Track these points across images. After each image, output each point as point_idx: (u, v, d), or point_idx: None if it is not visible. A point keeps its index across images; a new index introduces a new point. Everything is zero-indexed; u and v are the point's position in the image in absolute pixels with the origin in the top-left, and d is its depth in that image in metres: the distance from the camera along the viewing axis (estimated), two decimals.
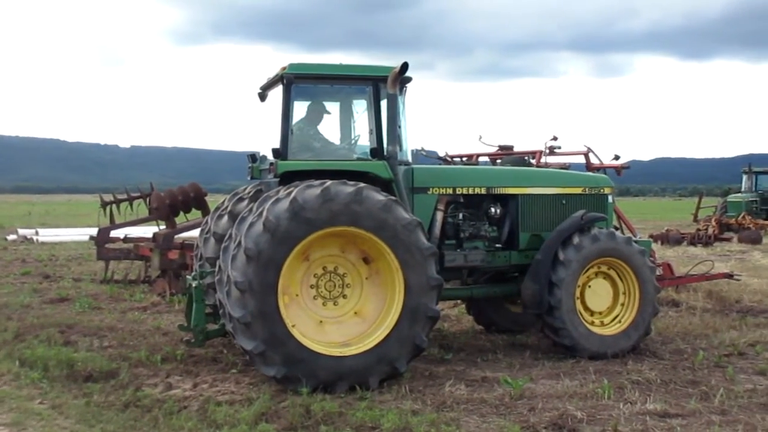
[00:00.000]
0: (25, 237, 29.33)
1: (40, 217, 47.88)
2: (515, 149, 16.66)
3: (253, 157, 9.64)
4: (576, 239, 9.31)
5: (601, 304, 9.58)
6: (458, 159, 17.87)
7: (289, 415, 7.03)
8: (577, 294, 9.38)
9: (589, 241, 9.33)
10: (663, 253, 21.89)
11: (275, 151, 8.79)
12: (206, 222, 10.36)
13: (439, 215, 9.55)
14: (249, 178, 9.77)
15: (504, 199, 9.97)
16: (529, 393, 7.80)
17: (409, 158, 9.70)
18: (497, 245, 9.91)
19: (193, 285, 8.98)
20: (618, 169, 16.21)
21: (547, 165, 15.62)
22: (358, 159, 9.21)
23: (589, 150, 16.04)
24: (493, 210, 9.90)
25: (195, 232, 12.64)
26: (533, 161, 15.78)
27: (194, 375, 8.68)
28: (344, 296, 8.36)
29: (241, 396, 7.82)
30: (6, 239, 29.01)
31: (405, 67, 8.70)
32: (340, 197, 7.96)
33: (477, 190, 9.81)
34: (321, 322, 8.26)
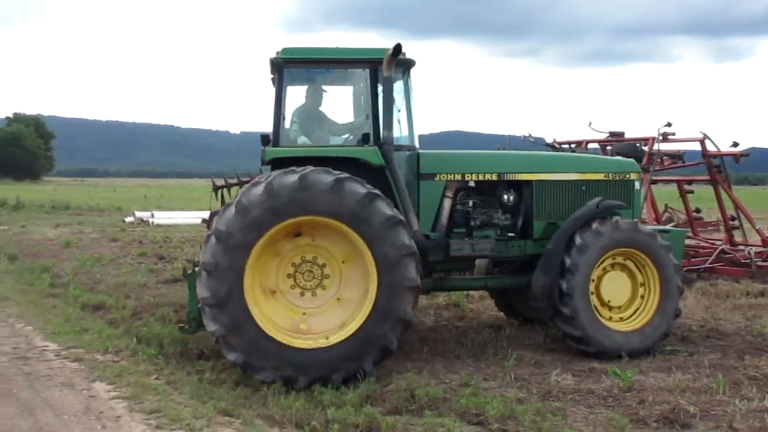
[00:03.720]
0: (141, 219, 30.54)
1: (155, 200, 49.72)
2: (626, 136, 16.26)
3: (266, 138, 8.95)
4: (591, 228, 8.74)
5: (619, 299, 8.99)
6: (566, 146, 17.59)
7: (394, 399, 7.09)
8: (592, 286, 8.84)
9: (598, 234, 8.72)
10: None
11: (263, 138, 8.64)
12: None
13: (447, 202, 9.13)
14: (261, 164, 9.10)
15: (517, 186, 9.43)
16: (638, 385, 7.59)
17: (416, 143, 9.34)
18: (510, 234, 9.43)
19: (188, 272, 8.88)
20: (736, 157, 15.60)
21: (660, 152, 15.19)
22: (347, 145, 8.98)
23: (705, 136, 15.49)
24: (505, 197, 9.36)
25: None
26: (645, 148, 15.37)
27: None
28: (314, 294, 8.06)
29: (347, 378, 7.92)
30: (124, 221, 30.27)
31: (398, 48, 8.27)
32: (285, 190, 7.66)
33: (488, 177, 9.30)
34: (304, 313, 8.01)
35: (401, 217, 7.94)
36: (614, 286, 8.96)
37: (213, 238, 7.65)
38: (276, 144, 8.61)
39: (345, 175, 7.85)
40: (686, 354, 8.94)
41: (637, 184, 9.82)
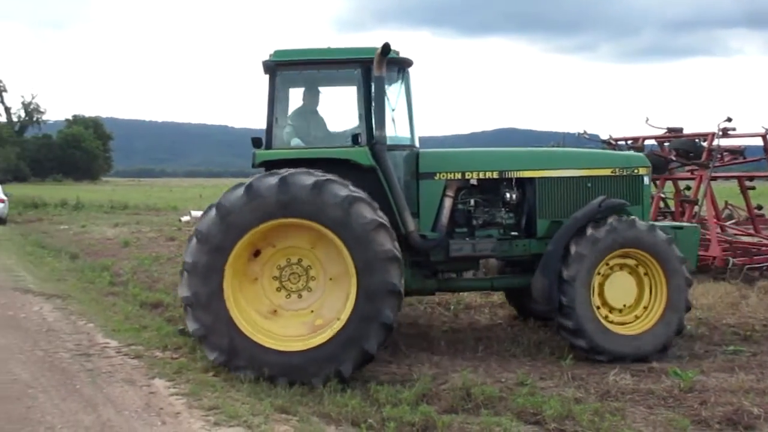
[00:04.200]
0: (197, 218, 30.91)
1: (210, 199, 49.80)
2: (685, 131, 15.98)
3: (257, 141, 8.85)
4: (589, 231, 8.44)
5: (626, 300, 8.65)
6: (623, 142, 17.37)
7: (450, 398, 7.07)
8: (595, 295, 8.53)
9: (605, 233, 8.41)
10: None
11: (254, 141, 8.63)
12: None
13: (448, 202, 8.98)
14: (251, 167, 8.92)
15: (519, 184, 9.22)
16: (699, 386, 7.43)
17: (416, 143, 9.25)
18: (514, 233, 9.25)
19: None
20: None
21: (720, 147, 14.89)
22: (339, 146, 8.89)
23: None
24: (508, 195, 9.15)
25: None
26: (705, 144, 15.08)
27: None
28: (310, 289, 8.09)
29: (402, 377, 7.93)
30: (180, 220, 30.71)
31: (386, 47, 8.19)
32: (236, 206, 7.71)
33: (489, 175, 9.13)
34: (312, 311, 8.07)
35: (359, 194, 7.80)
36: (618, 288, 8.64)
37: (186, 273, 7.84)
38: (269, 146, 8.65)
39: (290, 171, 7.85)
40: (749, 354, 8.75)
41: (646, 180, 9.45)
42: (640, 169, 9.41)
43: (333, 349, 7.68)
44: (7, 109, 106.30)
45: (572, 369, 8.05)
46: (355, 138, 8.62)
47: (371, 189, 8.13)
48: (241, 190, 7.78)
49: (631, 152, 9.81)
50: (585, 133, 17.82)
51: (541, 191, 9.13)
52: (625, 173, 9.31)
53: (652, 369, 8.13)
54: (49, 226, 29.24)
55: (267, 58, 8.78)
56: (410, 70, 9.19)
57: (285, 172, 7.85)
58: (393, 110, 8.98)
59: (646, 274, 8.66)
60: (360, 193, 7.82)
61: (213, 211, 7.80)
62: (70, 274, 16.08)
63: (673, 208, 16.52)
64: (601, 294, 8.62)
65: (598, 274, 8.56)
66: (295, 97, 9.35)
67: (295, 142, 9.06)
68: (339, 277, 7.95)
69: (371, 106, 8.55)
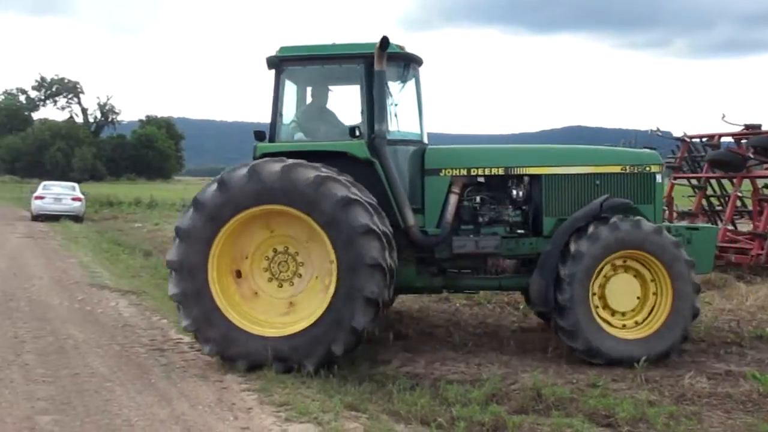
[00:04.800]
0: None
1: None
2: (763, 128, 15.54)
3: (260, 134, 8.98)
4: (591, 229, 8.20)
5: (627, 304, 8.34)
6: (697, 140, 17.00)
7: (520, 398, 7.02)
8: (595, 291, 8.28)
9: (607, 232, 8.14)
10: None
11: (256, 134, 8.73)
12: None
13: (453, 198, 8.90)
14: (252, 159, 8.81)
15: (526, 181, 9.09)
16: None
17: (425, 139, 9.21)
18: (520, 231, 9.09)
19: None
20: None
21: None
22: (338, 139, 8.88)
23: None
24: (514, 192, 9.06)
25: None
26: None
27: (426, 353, 8.87)
28: (300, 275, 8.25)
29: (471, 376, 7.89)
30: None
31: (384, 41, 8.20)
32: (234, 183, 7.87)
33: (494, 171, 9.03)
34: (317, 276, 8.24)
35: (328, 174, 7.87)
36: (621, 291, 8.37)
37: (173, 272, 8.08)
38: (272, 140, 8.80)
39: (259, 161, 8.05)
40: None
41: (658, 177, 9.15)
42: (652, 166, 9.16)
43: (322, 330, 7.78)
44: (84, 111, 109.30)
45: (645, 371, 7.88)
46: (352, 131, 8.65)
47: (371, 183, 8.26)
48: (214, 186, 8.00)
49: (644, 149, 9.55)
50: (658, 130, 17.48)
51: (548, 188, 9.01)
52: (636, 171, 9.08)
53: (730, 372, 7.94)
54: (124, 224, 30.02)
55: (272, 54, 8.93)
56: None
57: (252, 162, 8.06)
58: (396, 105, 9.05)
59: (651, 278, 8.40)
60: (329, 173, 7.91)
61: (191, 209, 8.06)
62: (144, 270, 16.46)
63: (750, 207, 16.07)
64: (603, 296, 8.42)
65: (600, 273, 8.37)
66: (300, 92, 9.54)
67: (299, 136, 9.20)
68: (312, 232, 8.05)
69: (372, 100, 8.62)
